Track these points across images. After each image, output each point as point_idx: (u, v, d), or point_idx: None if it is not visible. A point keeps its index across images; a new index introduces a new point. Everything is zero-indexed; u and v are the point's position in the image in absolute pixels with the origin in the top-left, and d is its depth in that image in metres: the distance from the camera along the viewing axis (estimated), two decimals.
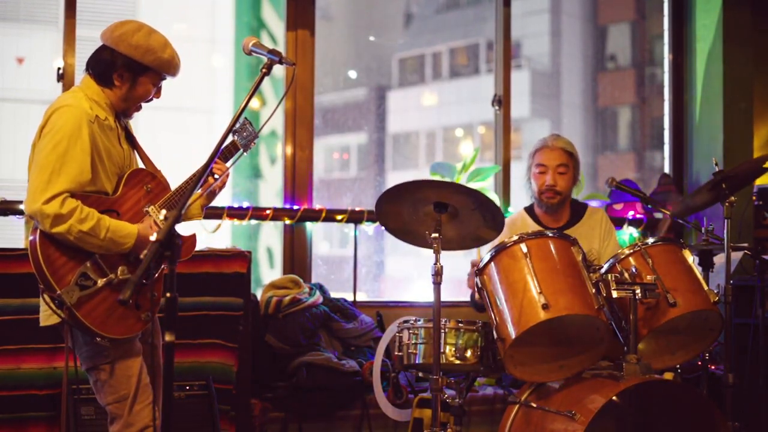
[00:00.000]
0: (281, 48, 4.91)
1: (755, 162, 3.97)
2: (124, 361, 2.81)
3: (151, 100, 2.98)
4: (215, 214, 4.48)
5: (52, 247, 2.68)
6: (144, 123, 5.15)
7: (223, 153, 3.02)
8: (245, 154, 3.09)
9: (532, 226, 3.95)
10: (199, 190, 2.99)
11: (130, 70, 2.86)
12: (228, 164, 3.05)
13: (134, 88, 2.89)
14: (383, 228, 3.43)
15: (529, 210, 4.05)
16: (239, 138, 3.06)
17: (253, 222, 4.79)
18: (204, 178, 2.79)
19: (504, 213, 3.97)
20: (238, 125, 3.03)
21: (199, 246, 3.12)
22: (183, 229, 2.99)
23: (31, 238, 2.71)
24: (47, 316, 2.82)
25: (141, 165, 3.02)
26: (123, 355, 2.81)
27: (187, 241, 2.98)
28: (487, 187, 4.94)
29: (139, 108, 2.98)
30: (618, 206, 5.28)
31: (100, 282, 2.70)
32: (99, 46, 2.91)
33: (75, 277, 2.66)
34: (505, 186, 5.24)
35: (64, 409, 2.69)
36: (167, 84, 3.03)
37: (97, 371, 2.83)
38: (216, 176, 3.01)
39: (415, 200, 3.23)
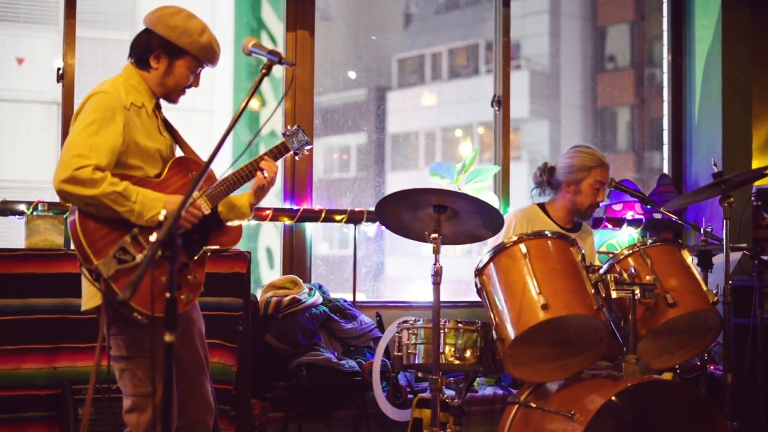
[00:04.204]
0: (281, 48, 4.91)
1: (755, 172, 3.99)
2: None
3: (190, 86, 2.96)
4: None
5: (90, 221, 2.70)
6: None
7: (272, 152, 3.04)
8: (296, 158, 3.17)
9: (549, 222, 3.97)
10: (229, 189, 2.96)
11: (166, 52, 2.86)
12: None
13: (170, 72, 2.88)
14: (383, 228, 3.44)
15: (542, 208, 4.04)
16: (291, 141, 3.09)
17: (253, 222, 4.79)
18: (248, 173, 2.92)
19: (503, 213, 3.99)
20: (290, 131, 3.10)
21: None
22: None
23: (71, 218, 2.73)
24: (89, 299, 2.82)
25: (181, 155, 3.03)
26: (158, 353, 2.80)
27: (233, 230, 3.01)
28: (487, 187, 4.94)
29: (183, 92, 2.97)
30: (617, 207, 5.29)
31: (139, 257, 2.70)
32: (140, 30, 2.92)
33: (114, 250, 2.67)
34: (504, 186, 5.24)
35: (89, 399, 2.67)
36: None
37: (127, 361, 2.80)
38: (265, 172, 2.97)
39: (416, 202, 3.24)
